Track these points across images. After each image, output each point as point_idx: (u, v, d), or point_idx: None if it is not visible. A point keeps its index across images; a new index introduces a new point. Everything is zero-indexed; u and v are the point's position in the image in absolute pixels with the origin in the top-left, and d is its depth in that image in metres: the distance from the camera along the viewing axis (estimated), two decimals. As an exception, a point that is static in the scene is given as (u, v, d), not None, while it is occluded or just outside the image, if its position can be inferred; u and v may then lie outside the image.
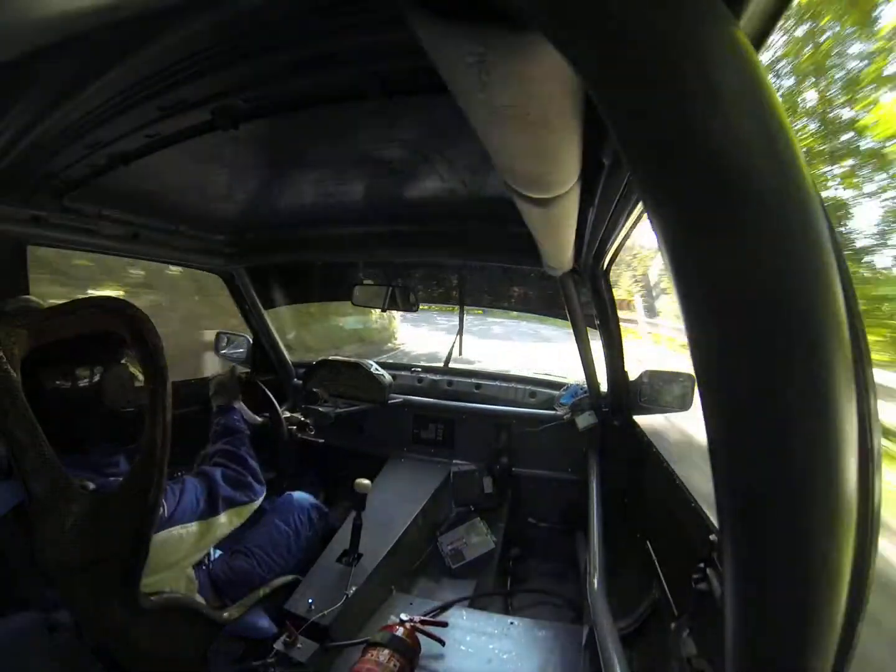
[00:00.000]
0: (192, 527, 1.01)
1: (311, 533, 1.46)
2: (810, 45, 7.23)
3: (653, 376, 1.64)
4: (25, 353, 0.80)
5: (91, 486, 0.87)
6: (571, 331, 1.67)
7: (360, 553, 1.38)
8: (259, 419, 1.52)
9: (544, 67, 0.32)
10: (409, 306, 1.94)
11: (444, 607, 1.38)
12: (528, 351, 9.14)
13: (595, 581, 1.12)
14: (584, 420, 1.72)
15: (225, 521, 1.08)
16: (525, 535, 1.94)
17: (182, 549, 1.00)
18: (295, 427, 1.72)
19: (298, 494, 1.58)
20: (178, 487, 1.03)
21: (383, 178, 1.10)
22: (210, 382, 1.44)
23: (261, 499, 1.17)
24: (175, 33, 0.49)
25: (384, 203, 1.30)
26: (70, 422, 0.91)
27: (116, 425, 0.97)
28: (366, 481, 1.41)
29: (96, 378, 0.94)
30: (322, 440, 1.82)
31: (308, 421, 1.76)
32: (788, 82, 7.58)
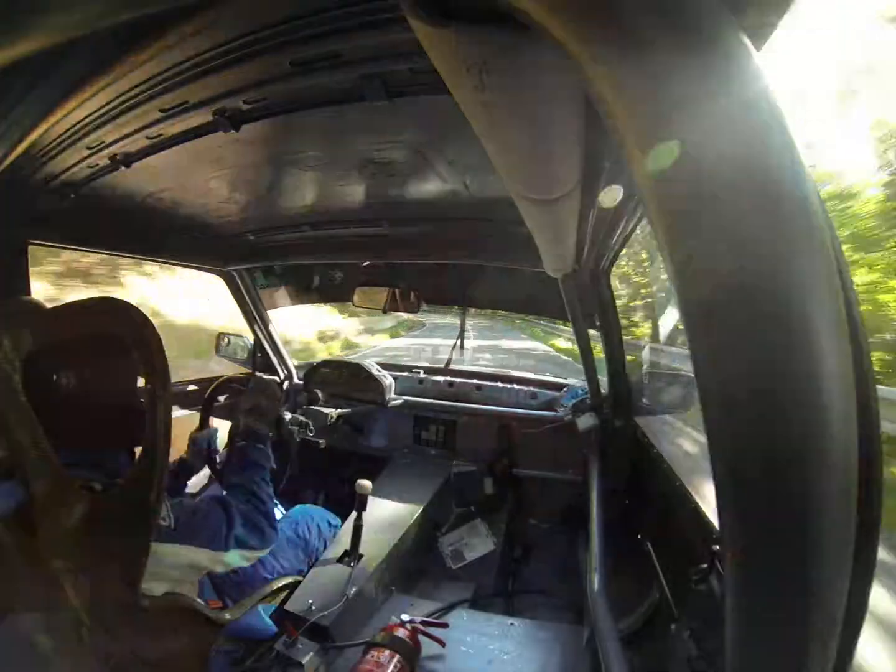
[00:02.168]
0: (198, 554, 0.99)
1: (320, 544, 1.46)
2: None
3: (653, 377, 1.64)
4: (27, 353, 0.80)
5: (98, 486, 0.87)
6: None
7: (360, 554, 1.38)
8: (274, 466, 1.34)
9: (545, 68, 0.32)
10: (410, 308, 1.94)
11: (446, 609, 1.38)
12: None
13: (595, 582, 1.12)
14: (585, 421, 1.72)
15: (230, 560, 1.06)
16: (526, 535, 1.94)
17: (189, 567, 0.99)
18: (296, 428, 1.73)
19: (312, 507, 1.61)
20: (192, 505, 1.01)
21: (384, 180, 1.10)
22: (250, 392, 1.33)
23: (270, 547, 1.14)
24: (176, 35, 0.49)
25: (385, 204, 1.30)
26: (72, 423, 0.92)
27: (119, 426, 0.97)
28: (367, 482, 1.41)
29: (98, 379, 0.94)
30: (323, 441, 1.82)
31: (309, 422, 1.76)
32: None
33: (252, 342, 2.19)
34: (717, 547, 0.81)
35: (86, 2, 0.29)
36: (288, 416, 1.74)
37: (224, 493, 1.16)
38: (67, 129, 0.74)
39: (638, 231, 1.10)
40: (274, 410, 1.34)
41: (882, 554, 0.35)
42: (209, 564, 1.02)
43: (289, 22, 0.51)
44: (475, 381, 2.15)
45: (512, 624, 1.33)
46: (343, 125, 0.81)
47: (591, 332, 1.60)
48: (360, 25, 0.51)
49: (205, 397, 1.59)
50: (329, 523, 1.56)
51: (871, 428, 0.31)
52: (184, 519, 0.97)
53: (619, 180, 0.73)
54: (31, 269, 1.17)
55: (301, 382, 2.18)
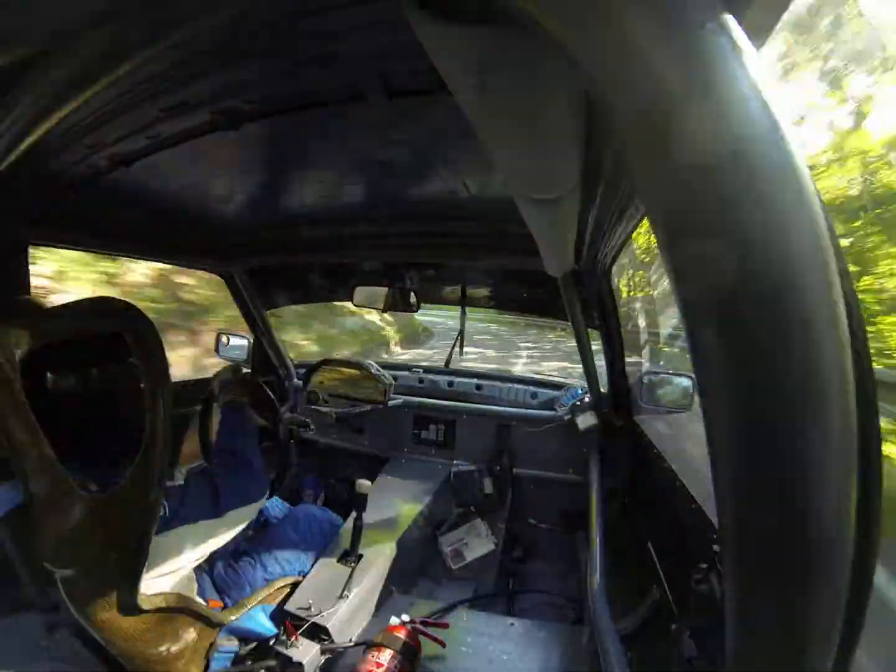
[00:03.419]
0: (195, 528, 1.01)
1: (320, 544, 1.47)
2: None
3: (653, 377, 1.64)
4: (26, 353, 0.80)
5: (94, 486, 0.87)
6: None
7: (360, 554, 1.38)
8: (260, 420, 1.48)
9: (545, 68, 0.32)
10: (409, 307, 1.94)
11: (446, 609, 1.38)
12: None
13: (595, 582, 1.12)
14: (585, 421, 1.72)
15: (228, 522, 1.08)
16: (525, 535, 1.94)
17: (185, 549, 1.00)
18: (295, 427, 1.72)
19: (313, 507, 1.63)
20: (180, 488, 1.03)
21: (384, 179, 1.10)
22: (213, 380, 1.41)
23: (264, 499, 1.17)
24: (175, 34, 0.49)
25: (385, 204, 1.30)
26: (72, 422, 0.92)
27: (118, 426, 0.97)
28: (366, 482, 1.41)
29: (98, 379, 0.94)
30: (323, 440, 1.82)
31: (308, 421, 1.76)
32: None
33: (251, 342, 2.20)
34: (717, 547, 0.81)
35: (84, 2, 0.29)
36: (288, 415, 1.74)
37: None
38: (67, 129, 0.74)
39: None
40: (240, 384, 1.38)
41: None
42: (207, 534, 1.03)
43: (289, 21, 0.51)
44: (475, 380, 2.15)
45: (512, 624, 1.33)
46: (343, 125, 0.81)
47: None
48: (359, 25, 0.51)
49: (204, 398, 1.58)
50: (329, 523, 1.56)
51: (871, 425, 0.31)
52: (174, 503, 0.98)
53: (619, 179, 0.73)
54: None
55: (301, 382, 2.18)
